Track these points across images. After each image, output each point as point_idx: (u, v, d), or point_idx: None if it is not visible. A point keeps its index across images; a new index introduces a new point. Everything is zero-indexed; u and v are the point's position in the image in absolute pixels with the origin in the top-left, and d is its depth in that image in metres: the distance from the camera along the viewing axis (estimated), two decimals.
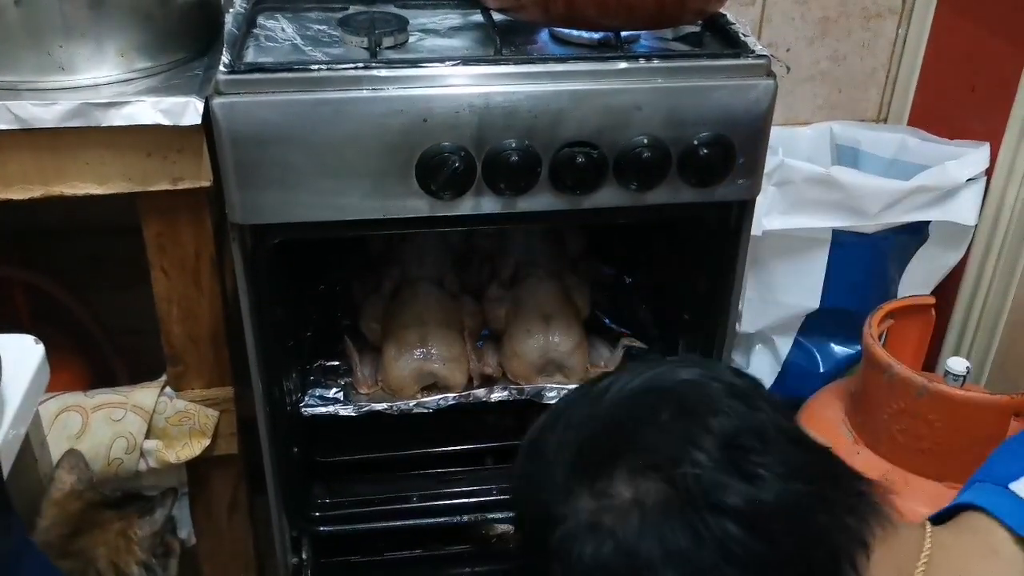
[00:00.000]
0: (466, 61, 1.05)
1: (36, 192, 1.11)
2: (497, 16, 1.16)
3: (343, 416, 1.33)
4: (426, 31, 1.20)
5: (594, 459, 0.62)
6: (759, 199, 1.17)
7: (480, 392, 1.36)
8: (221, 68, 1.01)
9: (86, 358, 1.59)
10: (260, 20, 1.21)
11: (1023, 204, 1.41)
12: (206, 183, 1.14)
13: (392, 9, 1.23)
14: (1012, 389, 1.43)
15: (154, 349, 1.40)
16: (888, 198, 1.37)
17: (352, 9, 1.23)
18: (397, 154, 1.04)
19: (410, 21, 1.18)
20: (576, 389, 0.72)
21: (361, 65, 1.03)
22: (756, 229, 1.30)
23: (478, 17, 1.22)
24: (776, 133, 1.12)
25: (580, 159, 1.06)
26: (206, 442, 1.29)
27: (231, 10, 1.17)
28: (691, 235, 1.28)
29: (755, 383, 0.67)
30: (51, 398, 1.22)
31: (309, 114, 1.01)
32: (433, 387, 1.35)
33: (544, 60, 1.07)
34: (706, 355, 1.29)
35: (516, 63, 1.05)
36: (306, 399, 1.34)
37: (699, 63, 1.08)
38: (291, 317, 1.32)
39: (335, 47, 1.14)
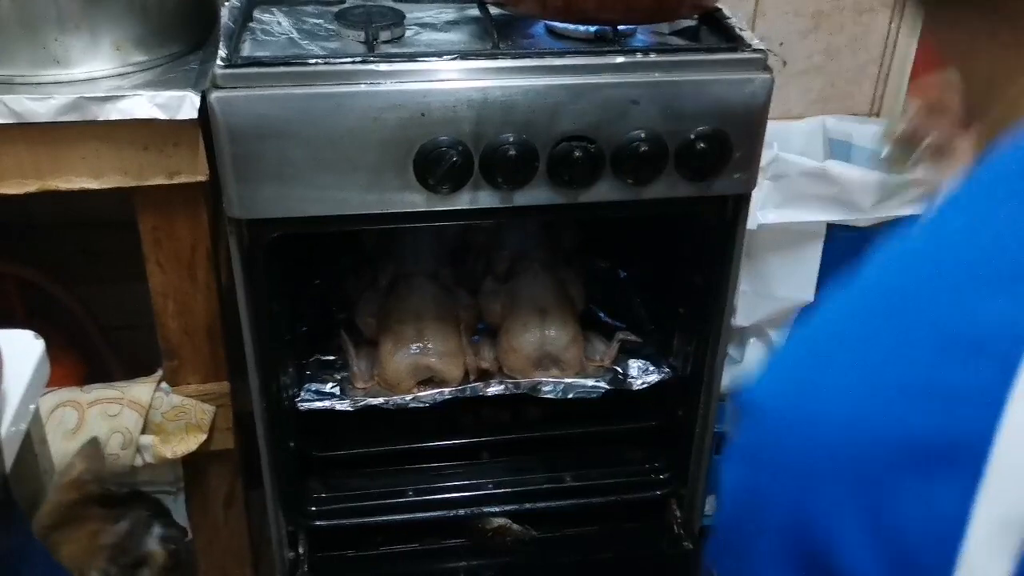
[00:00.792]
0: (463, 55, 1.05)
1: (31, 187, 1.10)
2: (494, 10, 1.16)
3: (339, 411, 1.33)
4: (423, 25, 1.20)
5: None
6: (754, 193, 1.17)
7: (476, 386, 1.36)
8: (218, 62, 1.00)
9: (80, 353, 1.58)
10: (256, 14, 1.21)
11: None
12: (202, 177, 1.14)
13: (388, 3, 1.23)
14: None
15: (147, 344, 1.40)
16: (882, 192, 1.38)
17: (348, 3, 1.23)
18: (395, 148, 1.04)
19: (407, 15, 1.18)
20: None
21: (359, 59, 1.03)
22: (751, 223, 1.30)
23: (475, 11, 1.22)
24: (769, 127, 1.12)
25: (577, 153, 1.06)
26: (202, 437, 1.29)
27: (227, 3, 1.16)
28: (687, 229, 1.28)
29: None
30: (47, 393, 1.22)
31: (306, 108, 1.01)
32: (429, 381, 1.35)
33: (541, 54, 1.07)
34: (701, 349, 1.30)
35: (513, 57, 1.06)
36: (302, 394, 1.34)
37: (696, 57, 1.08)
38: (287, 311, 1.32)
39: (332, 41, 1.13)
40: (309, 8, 1.24)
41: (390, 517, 1.36)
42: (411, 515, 1.37)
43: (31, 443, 0.79)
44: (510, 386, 1.36)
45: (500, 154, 1.05)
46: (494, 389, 1.36)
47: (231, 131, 1.01)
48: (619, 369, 1.40)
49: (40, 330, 0.85)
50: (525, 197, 1.09)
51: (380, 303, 1.42)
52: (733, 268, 1.22)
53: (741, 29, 1.14)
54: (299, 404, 1.32)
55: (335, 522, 1.34)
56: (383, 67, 1.03)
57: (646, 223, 1.42)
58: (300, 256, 1.42)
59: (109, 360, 1.62)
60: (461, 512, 1.37)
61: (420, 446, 1.39)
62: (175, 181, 1.13)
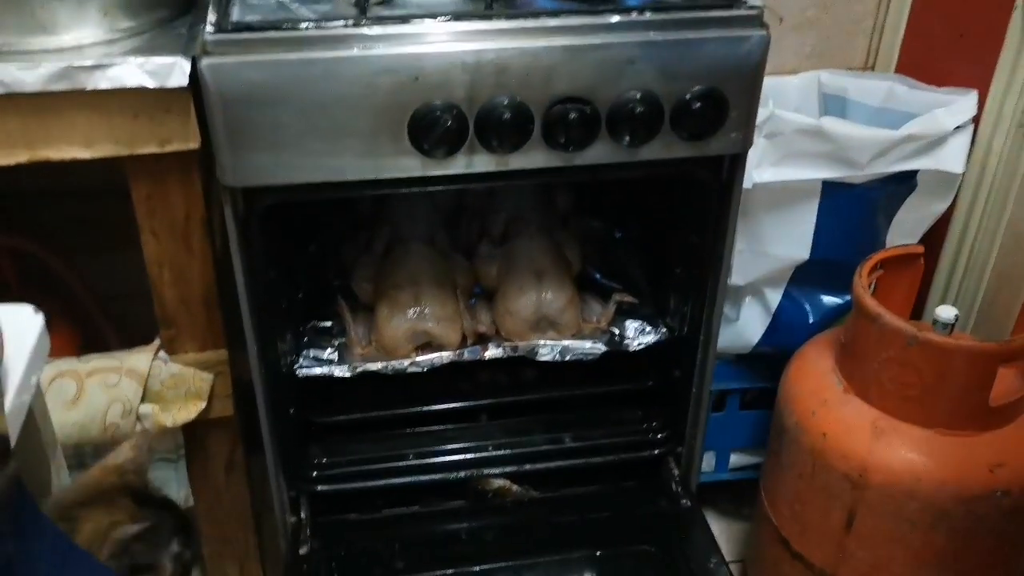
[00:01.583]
0: (457, 17, 1.04)
1: (22, 157, 1.09)
2: None
3: (338, 377, 1.34)
4: None
5: None
6: (749, 152, 1.17)
7: (474, 350, 1.36)
8: (208, 27, 0.99)
9: (74, 323, 1.58)
10: None
11: (1010, 151, 1.42)
12: (194, 145, 1.12)
13: None
14: (997, 336, 1.45)
15: (141, 313, 1.39)
16: (878, 148, 1.37)
17: None
18: (388, 113, 1.03)
19: None
20: None
21: (351, 23, 1.01)
22: (747, 182, 1.30)
23: None
24: (764, 83, 1.11)
25: (573, 115, 1.05)
26: (202, 405, 1.29)
27: None
28: (683, 190, 1.28)
29: None
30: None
31: (299, 74, 1.00)
32: (427, 346, 1.36)
33: (536, 15, 1.05)
34: (698, 309, 1.30)
35: (507, 18, 1.04)
36: (301, 360, 1.34)
37: (692, 15, 1.07)
38: (283, 278, 1.31)
39: (322, 3, 1.12)
40: None
41: (391, 480, 1.37)
42: (412, 478, 1.38)
43: (33, 417, 0.79)
44: (508, 349, 1.37)
45: (495, 117, 1.04)
46: (492, 352, 1.37)
47: (223, 98, 1.00)
48: (616, 330, 1.41)
49: (34, 300, 0.84)
50: (521, 160, 1.08)
51: (376, 268, 1.42)
52: (730, 228, 1.22)
53: None
54: (297, 371, 1.33)
55: (337, 486, 1.35)
56: (376, 30, 1.01)
57: (642, 184, 1.41)
58: (294, 223, 1.42)
59: (104, 329, 1.62)
60: (461, 474, 1.39)
61: (419, 410, 1.40)
62: (167, 149, 1.12)
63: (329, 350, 1.36)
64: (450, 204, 1.54)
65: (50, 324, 0.83)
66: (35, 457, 0.83)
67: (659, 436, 1.43)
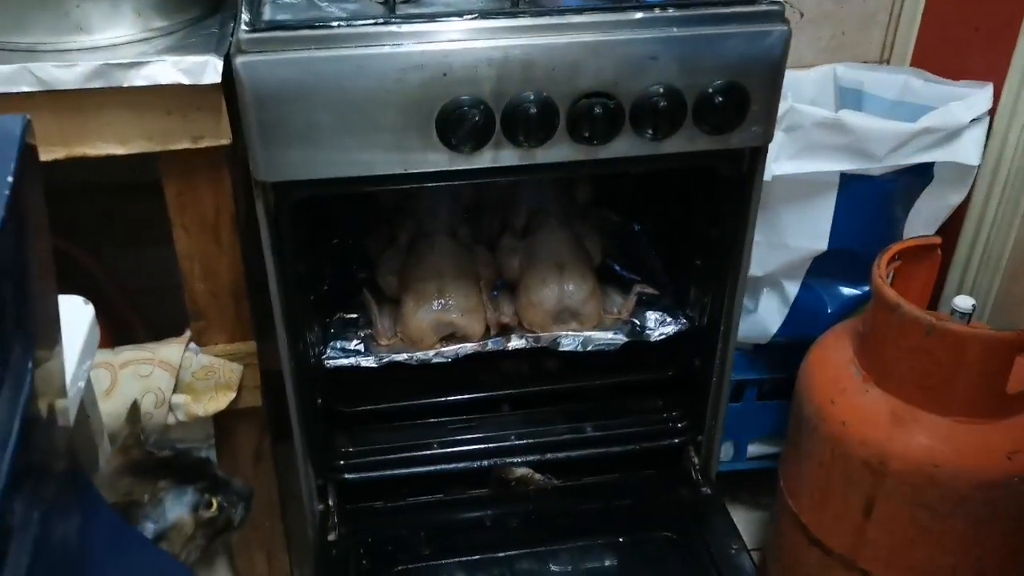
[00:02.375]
0: (483, 15, 1.06)
1: (59, 154, 1.12)
2: None
3: (364, 367, 1.36)
4: None
5: None
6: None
7: (497, 341, 1.39)
8: (243, 26, 1.01)
9: (104, 316, 1.60)
10: None
11: None
12: (226, 141, 1.15)
13: None
14: (1013, 325, 1.47)
15: (167, 306, 1.42)
16: (895, 141, 1.39)
17: None
18: (417, 109, 1.05)
19: None
20: None
21: (380, 21, 1.03)
22: (766, 175, 1.32)
23: None
24: None
25: (597, 109, 1.07)
26: (232, 395, 1.32)
27: None
28: (702, 182, 1.30)
29: None
30: None
31: (330, 71, 1.02)
32: (451, 337, 1.38)
33: (561, 12, 1.07)
34: (718, 300, 1.32)
35: (533, 15, 1.06)
36: (328, 351, 1.37)
37: (714, 11, 1.09)
38: (310, 271, 1.34)
39: (350, 2, 1.14)
40: None
41: (416, 469, 1.40)
42: (436, 467, 1.40)
43: (83, 404, 0.82)
44: (530, 340, 1.39)
45: (521, 112, 1.06)
46: (515, 343, 1.39)
47: (256, 95, 1.02)
48: (636, 321, 1.43)
49: (64, 293, 0.86)
50: (546, 154, 1.10)
51: (400, 261, 1.44)
52: (750, 220, 1.24)
53: None
54: (326, 361, 1.35)
55: (363, 475, 1.38)
56: (404, 28, 1.03)
57: (661, 176, 1.43)
58: (320, 216, 1.44)
59: (133, 323, 1.65)
60: (484, 463, 1.41)
61: (443, 400, 1.43)
62: (199, 145, 1.15)
63: (355, 341, 1.39)
64: (472, 198, 1.56)
65: None
66: (85, 442, 0.86)
67: (679, 425, 1.45)
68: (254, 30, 1.01)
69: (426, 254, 1.42)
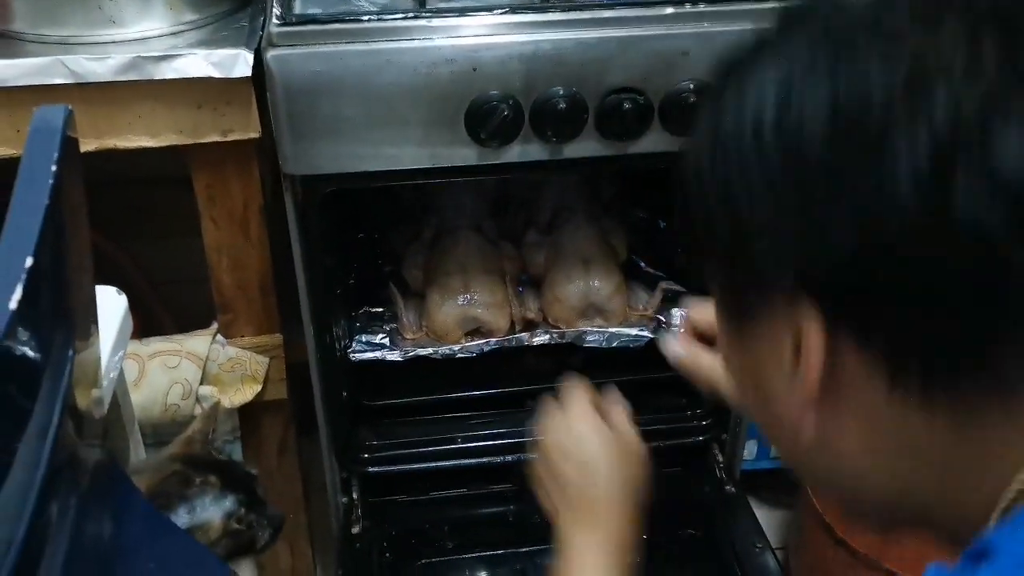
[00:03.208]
0: (513, 9, 1.06)
1: (91, 146, 1.13)
2: None
3: (389, 361, 1.36)
4: None
5: None
6: None
7: (522, 336, 1.38)
8: (274, 20, 1.02)
9: (133, 307, 1.62)
10: None
11: None
12: (255, 134, 1.16)
13: None
14: None
15: (193, 298, 1.43)
16: None
17: None
18: (446, 103, 1.05)
19: None
20: None
21: (411, 15, 1.03)
22: None
23: None
24: None
25: (626, 105, 1.07)
26: (258, 387, 1.33)
27: None
28: None
29: None
30: None
31: (360, 64, 1.02)
32: (476, 332, 1.38)
33: (591, 7, 1.07)
34: None
35: (563, 10, 1.06)
36: (354, 345, 1.37)
37: (745, 6, 1.08)
38: (337, 265, 1.34)
39: None
40: None
41: (439, 463, 1.40)
42: (459, 461, 1.40)
43: (116, 395, 0.83)
44: (555, 336, 1.39)
45: (550, 107, 1.06)
46: (539, 339, 1.39)
47: (287, 89, 1.02)
48: (662, 317, 1.43)
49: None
50: (574, 149, 1.10)
51: (426, 256, 1.44)
52: None
53: None
54: (351, 355, 1.35)
55: (387, 468, 1.38)
56: (434, 22, 1.03)
57: None
58: (346, 211, 1.45)
59: (161, 314, 1.66)
60: (508, 458, 1.41)
61: (467, 395, 1.43)
62: (228, 139, 1.15)
63: (381, 335, 1.39)
64: (497, 193, 1.56)
65: None
66: (118, 434, 0.87)
67: (703, 423, 1.44)
68: (285, 24, 1.01)
69: (451, 249, 1.42)
